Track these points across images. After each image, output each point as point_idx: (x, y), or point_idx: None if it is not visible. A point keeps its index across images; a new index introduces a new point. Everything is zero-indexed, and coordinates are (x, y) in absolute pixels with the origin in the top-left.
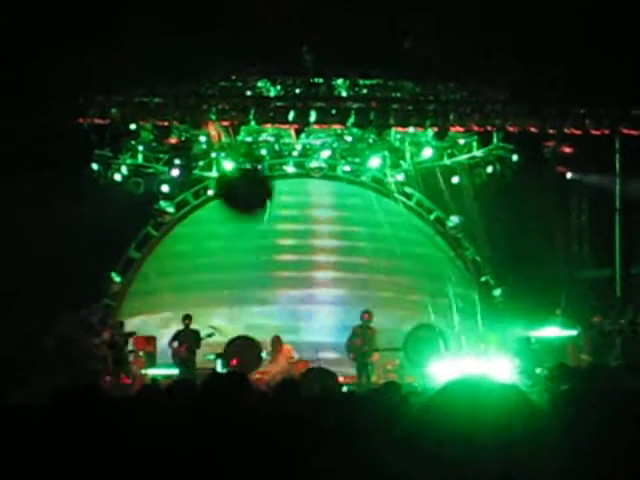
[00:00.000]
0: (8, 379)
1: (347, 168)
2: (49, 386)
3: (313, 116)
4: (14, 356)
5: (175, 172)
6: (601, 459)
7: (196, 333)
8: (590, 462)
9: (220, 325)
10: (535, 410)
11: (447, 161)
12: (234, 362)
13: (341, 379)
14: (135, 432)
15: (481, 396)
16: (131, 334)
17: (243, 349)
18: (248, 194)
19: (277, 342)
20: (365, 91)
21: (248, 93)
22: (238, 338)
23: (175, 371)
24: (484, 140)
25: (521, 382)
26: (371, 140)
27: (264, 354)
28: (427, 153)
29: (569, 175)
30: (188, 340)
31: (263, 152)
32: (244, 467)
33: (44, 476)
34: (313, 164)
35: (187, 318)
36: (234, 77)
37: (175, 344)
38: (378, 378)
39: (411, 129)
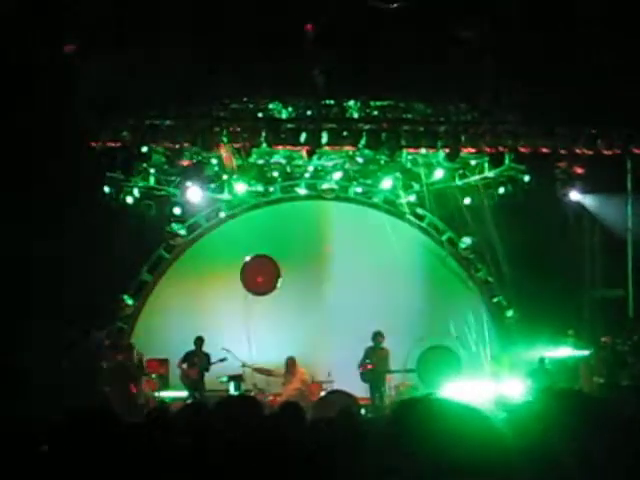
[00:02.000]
0: (23, 398)
1: (359, 190)
2: (62, 407)
3: (325, 138)
4: (29, 377)
5: (195, 196)
6: None
7: (207, 356)
8: None
9: (233, 347)
10: (494, 437)
11: (459, 182)
12: (259, 280)
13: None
14: (139, 457)
15: (436, 418)
16: (142, 359)
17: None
18: None
19: (292, 364)
20: (376, 112)
21: (259, 115)
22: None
23: (185, 393)
24: (496, 161)
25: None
26: (383, 162)
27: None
28: (439, 174)
29: (573, 196)
30: (199, 362)
31: (275, 174)
32: None
33: None
34: (325, 186)
35: (199, 340)
36: (245, 99)
37: (184, 365)
38: (391, 399)
39: (422, 150)
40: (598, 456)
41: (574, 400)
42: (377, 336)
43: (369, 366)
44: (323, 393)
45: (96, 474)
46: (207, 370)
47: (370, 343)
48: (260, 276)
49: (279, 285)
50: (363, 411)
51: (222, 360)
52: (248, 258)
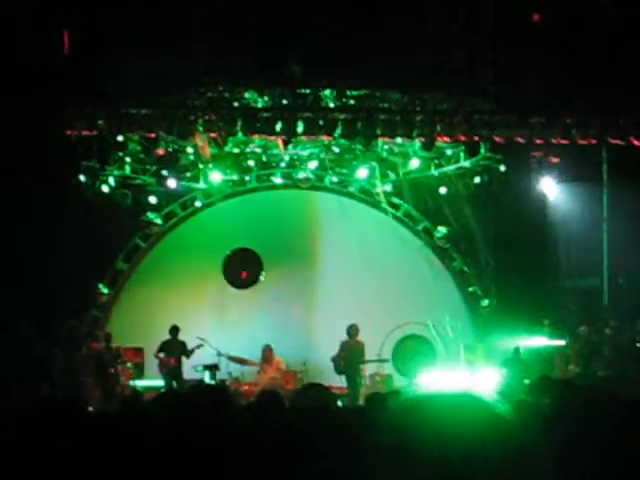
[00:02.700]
0: None
1: (335, 179)
2: (35, 397)
3: (300, 127)
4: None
5: (172, 184)
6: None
7: (183, 344)
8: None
9: (208, 336)
10: (507, 428)
11: (434, 172)
12: (244, 275)
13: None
14: (114, 447)
15: (441, 411)
16: (118, 348)
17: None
18: None
19: (268, 352)
20: (352, 102)
21: (235, 104)
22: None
23: (161, 383)
24: (471, 150)
25: (504, 394)
26: (358, 151)
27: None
28: (414, 164)
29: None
30: (175, 351)
31: (250, 163)
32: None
33: None
34: (301, 175)
35: (174, 329)
36: (221, 88)
37: (161, 355)
38: (367, 389)
39: (398, 140)
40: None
41: (568, 392)
42: (352, 329)
43: (344, 356)
44: (299, 385)
45: (66, 466)
46: (187, 357)
47: (345, 335)
48: (244, 271)
49: (262, 279)
50: (340, 403)
51: (198, 347)
52: (230, 251)
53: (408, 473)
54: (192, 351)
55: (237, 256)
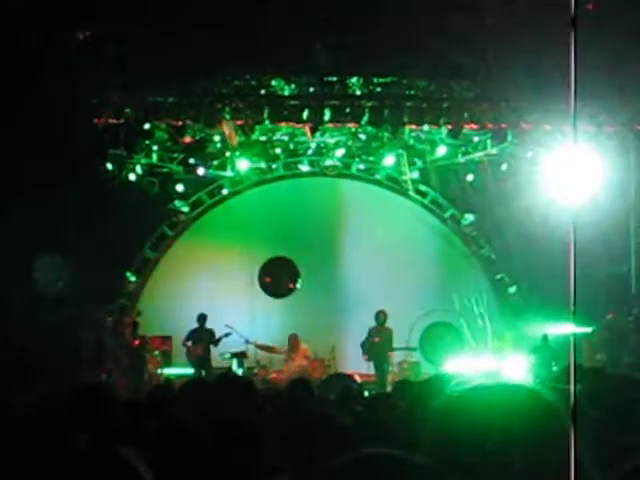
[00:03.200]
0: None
1: (361, 166)
2: (61, 387)
3: (327, 115)
4: (30, 354)
5: (200, 172)
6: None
7: (211, 332)
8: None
9: (236, 324)
10: (553, 414)
11: (461, 159)
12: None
13: (357, 378)
14: (146, 433)
15: (496, 403)
16: (145, 336)
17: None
18: None
19: (294, 341)
20: (379, 89)
21: (262, 92)
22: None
23: (191, 371)
24: (498, 138)
25: (535, 381)
26: (385, 138)
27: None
28: (441, 151)
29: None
30: (203, 339)
31: (277, 151)
32: (254, 468)
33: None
34: (327, 163)
35: (202, 317)
36: (248, 76)
37: (189, 343)
38: (394, 376)
39: (425, 127)
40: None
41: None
42: (380, 315)
43: (373, 342)
44: (326, 373)
45: (93, 453)
46: (215, 345)
47: (373, 321)
48: (288, 282)
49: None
50: (366, 393)
51: (226, 335)
52: (266, 261)
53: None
54: (219, 339)
55: (274, 264)
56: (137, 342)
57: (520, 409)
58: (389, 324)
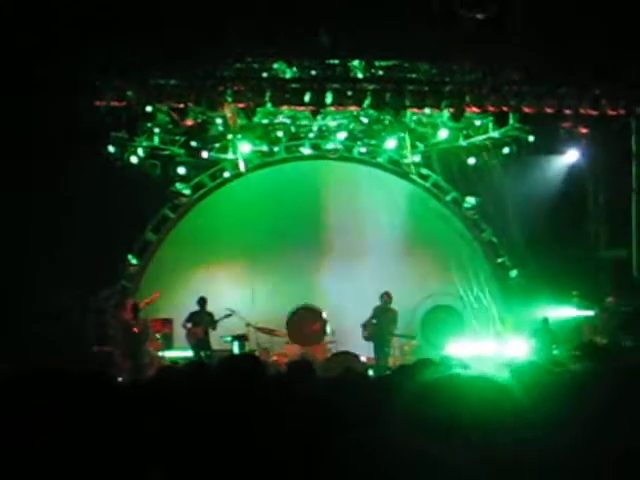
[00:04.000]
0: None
1: (363, 150)
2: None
3: (329, 98)
4: (36, 336)
5: (203, 155)
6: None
7: (210, 315)
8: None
9: (237, 307)
10: (515, 405)
11: (463, 142)
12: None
13: (363, 358)
14: (151, 415)
15: (462, 392)
16: (146, 319)
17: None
18: None
19: None
20: (381, 72)
21: (264, 75)
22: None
23: (191, 353)
24: (500, 121)
25: (539, 363)
26: (387, 122)
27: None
28: (443, 134)
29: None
30: (203, 322)
31: (279, 134)
32: (260, 448)
33: (58, 455)
34: (329, 146)
35: (202, 300)
36: (250, 59)
37: (189, 325)
38: (395, 360)
39: (427, 110)
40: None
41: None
42: (384, 296)
43: (375, 324)
44: (328, 354)
45: (95, 435)
46: (214, 328)
47: (377, 303)
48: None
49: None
50: (371, 372)
51: (226, 317)
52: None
53: (426, 439)
54: (217, 322)
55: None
56: (138, 324)
57: (485, 402)
58: (393, 306)
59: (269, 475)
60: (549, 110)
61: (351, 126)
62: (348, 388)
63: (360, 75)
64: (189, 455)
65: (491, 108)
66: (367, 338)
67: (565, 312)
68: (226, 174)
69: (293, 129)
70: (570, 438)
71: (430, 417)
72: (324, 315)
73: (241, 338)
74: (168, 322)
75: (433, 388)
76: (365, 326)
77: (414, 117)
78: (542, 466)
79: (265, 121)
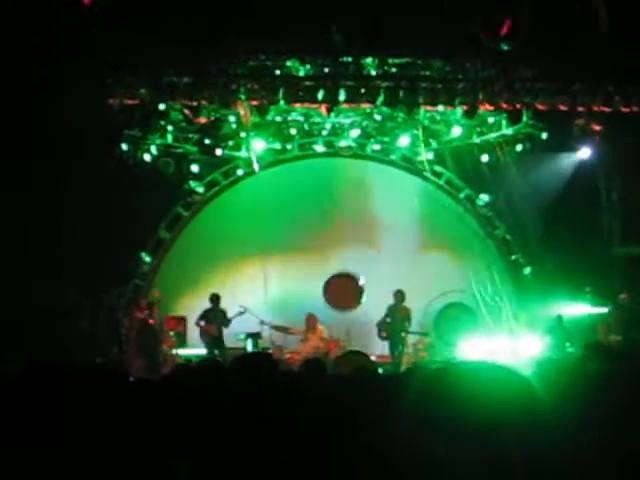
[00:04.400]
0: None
1: (377, 147)
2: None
3: (342, 95)
4: (50, 335)
5: (218, 152)
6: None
7: (223, 312)
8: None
9: (250, 304)
10: (534, 397)
11: (476, 140)
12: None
13: (374, 358)
14: (163, 414)
15: (476, 381)
16: (160, 317)
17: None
18: None
19: (312, 321)
20: (394, 70)
21: (277, 72)
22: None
23: (204, 351)
24: (513, 118)
25: (551, 359)
26: (400, 119)
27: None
28: (456, 132)
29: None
30: (216, 319)
31: (293, 131)
32: (268, 449)
33: (67, 449)
34: (342, 143)
35: (215, 297)
36: (263, 57)
37: (202, 323)
38: (409, 357)
39: (440, 107)
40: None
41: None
42: (398, 294)
43: (390, 322)
44: (340, 352)
45: (107, 431)
46: (226, 326)
47: (391, 301)
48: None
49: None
50: (381, 370)
51: (240, 314)
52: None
53: (432, 437)
54: (230, 320)
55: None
56: (152, 322)
57: (500, 393)
58: (407, 304)
59: (277, 475)
60: (562, 107)
61: (364, 123)
62: (359, 387)
63: (373, 72)
64: (199, 454)
65: (504, 105)
66: (382, 337)
67: (579, 309)
68: (239, 172)
69: (306, 127)
70: (587, 440)
71: (437, 414)
72: (362, 282)
73: (255, 336)
74: (182, 320)
75: (439, 381)
76: (380, 325)
77: (427, 114)
78: (557, 468)
79: (278, 119)
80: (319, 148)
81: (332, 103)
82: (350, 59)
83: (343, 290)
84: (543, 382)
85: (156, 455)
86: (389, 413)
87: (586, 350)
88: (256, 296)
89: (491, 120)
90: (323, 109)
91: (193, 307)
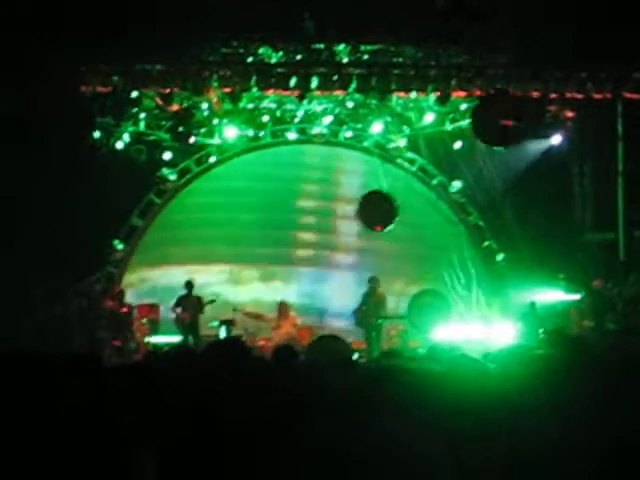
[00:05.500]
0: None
1: (349, 134)
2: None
3: (315, 82)
4: (21, 322)
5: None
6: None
7: (199, 299)
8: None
9: (222, 292)
10: (493, 385)
11: (449, 126)
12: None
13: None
14: (136, 400)
15: (442, 373)
16: (132, 305)
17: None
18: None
19: (283, 308)
20: (366, 57)
21: (249, 60)
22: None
23: (177, 339)
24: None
25: (524, 345)
26: (373, 106)
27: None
28: (429, 118)
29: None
30: (191, 306)
31: (265, 119)
32: (241, 432)
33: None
34: (315, 130)
35: (189, 284)
36: (235, 44)
37: (178, 310)
38: (383, 344)
39: (413, 94)
40: (597, 397)
41: (577, 345)
42: (372, 281)
43: (365, 309)
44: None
45: (83, 418)
46: (202, 312)
47: (364, 288)
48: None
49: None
50: (356, 355)
51: (211, 302)
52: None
53: (409, 428)
54: (204, 306)
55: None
56: (124, 310)
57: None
58: (381, 290)
59: (239, 464)
60: (535, 93)
61: (337, 110)
62: (332, 374)
63: (346, 59)
64: (171, 440)
65: (477, 92)
66: (359, 324)
67: (552, 296)
68: (212, 159)
69: (279, 114)
70: (560, 428)
71: (414, 405)
72: (396, 202)
73: (228, 323)
74: (155, 307)
75: (419, 376)
76: (355, 312)
77: (400, 101)
78: (537, 456)
79: (251, 106)
80: (291, 135)
81: (304, 90)
82: (322, 46)
83: (378, 209)
84: (506, 370)
85: (125, 445)
86: (366, 401)
87: (546, 336)
88: (229, 283)
89: (464, 107)
90: (295, 97)
91: (166, 294)
